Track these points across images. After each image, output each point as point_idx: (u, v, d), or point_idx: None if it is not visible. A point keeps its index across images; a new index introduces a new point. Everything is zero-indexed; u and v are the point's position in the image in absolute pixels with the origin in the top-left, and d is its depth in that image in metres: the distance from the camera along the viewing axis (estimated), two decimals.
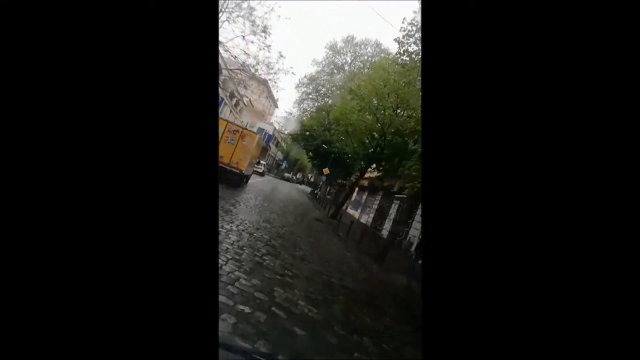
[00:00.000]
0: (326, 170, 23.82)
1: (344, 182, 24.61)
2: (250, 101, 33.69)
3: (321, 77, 32.93)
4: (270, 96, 47.88)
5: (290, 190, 23.78)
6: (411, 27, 9.60)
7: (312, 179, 67.89)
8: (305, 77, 32.97)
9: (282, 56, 10.78)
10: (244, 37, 13.35)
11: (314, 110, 28.89)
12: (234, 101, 27.91)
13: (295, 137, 26.74)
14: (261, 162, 27.46)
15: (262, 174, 26.62)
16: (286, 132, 38.55)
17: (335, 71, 32.37)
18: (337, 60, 33.01)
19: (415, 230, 10.97)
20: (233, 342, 1.53)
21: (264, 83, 43.55)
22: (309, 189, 41.19)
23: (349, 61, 32.68)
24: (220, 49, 12.53)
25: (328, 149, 23.96)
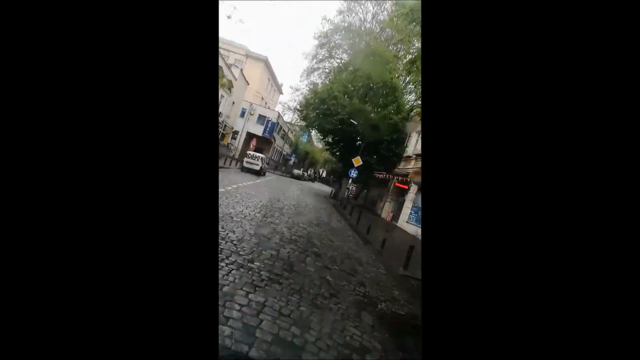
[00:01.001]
0: (357, 161, 15.08)
1: (388, 175, 15.68)
2: (242, 73, 24.97)
3: (335, 39, 23.98)
4: (272, 79, 39.37)
5: (302, 196, 15.01)
6: None
7: (324, 174, 59.17)
8: (314, 36, 23.51)
9: None
10: None
11: (331, 77, 20.06)
12: None
13: (305, 115, 17.76)
14: (257, 154, 18.73)
15: (259, 172, 18.02)
16: (295, 118, 29.44)
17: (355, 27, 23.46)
18: (352, 19, 24.00)
19: None
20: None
21: (264, 61, 35.15)
22: (325, 188, 32.71)
23: (371, 10, 23.65)
24: None
25: (360, 124, 15.22)
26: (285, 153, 39.72)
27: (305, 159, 45.43)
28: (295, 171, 33.16)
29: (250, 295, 2.71)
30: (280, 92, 42.28)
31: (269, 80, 38.13)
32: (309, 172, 48.60)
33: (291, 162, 37.14)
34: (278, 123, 31.53)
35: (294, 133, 40.77)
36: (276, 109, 33.84)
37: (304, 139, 44.20)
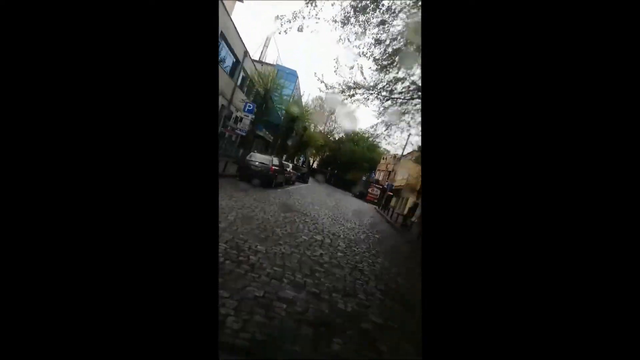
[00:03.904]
0: None
1: None
2: None
3: None
4: None
5: None
6: None
7: (314, 165, 35.58)
8: None
9: None
10: None
11: None
12: None
13: None
14: None
15: None
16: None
17: None
18: None
19: None
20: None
21: None
22: (347, 206, 9.74)
23: None
24: None
25: None
26: (232, 109, 15.68)
27: (288, 135, 21.66)
28: (257, 158, 9.87)
29: None
30: None
31: None
32: (296, 162, 25.22)
33: (243, 133, 13.11)
34: None
35: (260, 74, 17.02)
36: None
37: (289, 89, 20.56)
